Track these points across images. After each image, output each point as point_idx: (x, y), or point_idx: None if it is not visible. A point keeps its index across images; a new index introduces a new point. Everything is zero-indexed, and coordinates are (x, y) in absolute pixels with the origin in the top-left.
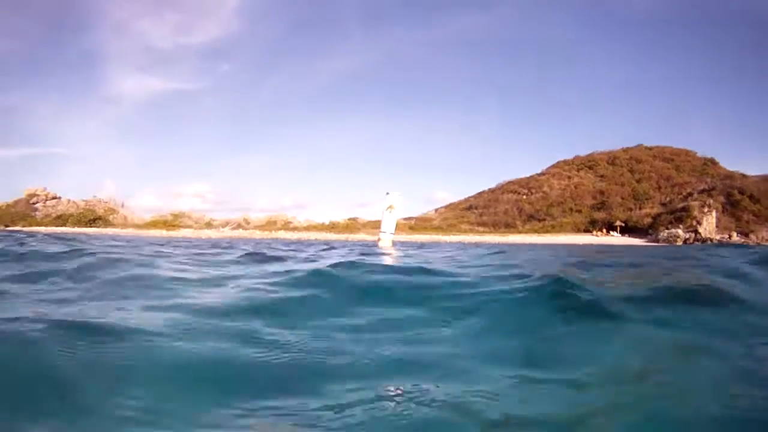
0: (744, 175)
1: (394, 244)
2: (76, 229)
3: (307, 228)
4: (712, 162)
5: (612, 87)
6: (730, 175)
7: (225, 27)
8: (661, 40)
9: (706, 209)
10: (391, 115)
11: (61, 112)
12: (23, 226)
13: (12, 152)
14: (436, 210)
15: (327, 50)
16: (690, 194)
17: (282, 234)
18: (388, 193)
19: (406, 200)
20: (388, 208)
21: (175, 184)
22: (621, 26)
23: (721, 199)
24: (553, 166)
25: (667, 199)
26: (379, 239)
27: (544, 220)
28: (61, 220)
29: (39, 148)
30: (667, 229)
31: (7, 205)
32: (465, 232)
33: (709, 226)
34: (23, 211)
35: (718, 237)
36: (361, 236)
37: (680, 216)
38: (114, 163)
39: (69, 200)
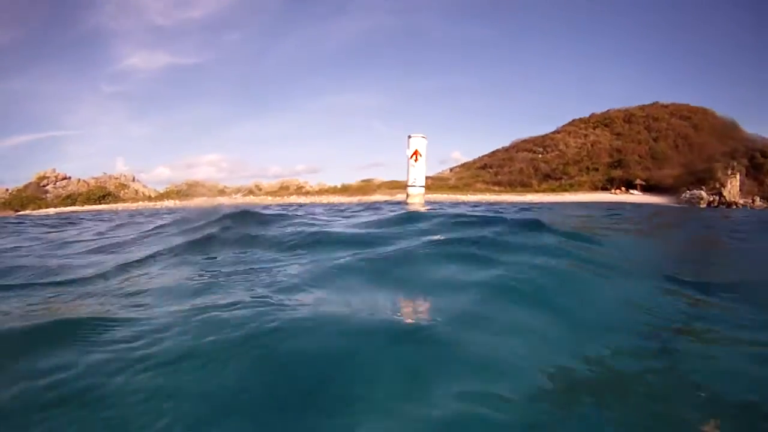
0: (764, 138)
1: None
2: (86, 207)
3: (319, 192)
4: (734, 125)
5: (626, 40)
6: (753, 138)
7: None
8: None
9: (729, 171)
10: (404, 75)
11: (67, 94)
12: (33, 209)
13: (21, 138)
14: (451, 169)
15: (337, 11)
16: (712, 156)
17: (294, 199)
18: (410, 137)
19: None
20: (413, 155)
21: (189, 155)
22: None
23: (745, 161)
24: (568, 124)
25: (687, 159)
26: (407, 196)
27: (561, 178)
28: (71, 199)
29: (48, 132)
30: (689, 190)
31: (18, 190)
32: (481, 191)
33: (733, 189)
34: (33, 194)
35: (741, 201)
36: (376, 197)
37: (703, 177)
38: (125, 141)
39: (79, 180)
